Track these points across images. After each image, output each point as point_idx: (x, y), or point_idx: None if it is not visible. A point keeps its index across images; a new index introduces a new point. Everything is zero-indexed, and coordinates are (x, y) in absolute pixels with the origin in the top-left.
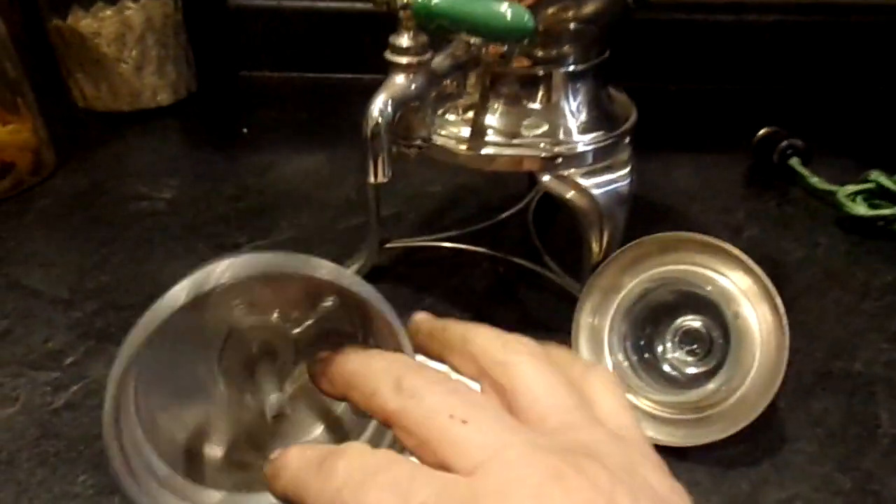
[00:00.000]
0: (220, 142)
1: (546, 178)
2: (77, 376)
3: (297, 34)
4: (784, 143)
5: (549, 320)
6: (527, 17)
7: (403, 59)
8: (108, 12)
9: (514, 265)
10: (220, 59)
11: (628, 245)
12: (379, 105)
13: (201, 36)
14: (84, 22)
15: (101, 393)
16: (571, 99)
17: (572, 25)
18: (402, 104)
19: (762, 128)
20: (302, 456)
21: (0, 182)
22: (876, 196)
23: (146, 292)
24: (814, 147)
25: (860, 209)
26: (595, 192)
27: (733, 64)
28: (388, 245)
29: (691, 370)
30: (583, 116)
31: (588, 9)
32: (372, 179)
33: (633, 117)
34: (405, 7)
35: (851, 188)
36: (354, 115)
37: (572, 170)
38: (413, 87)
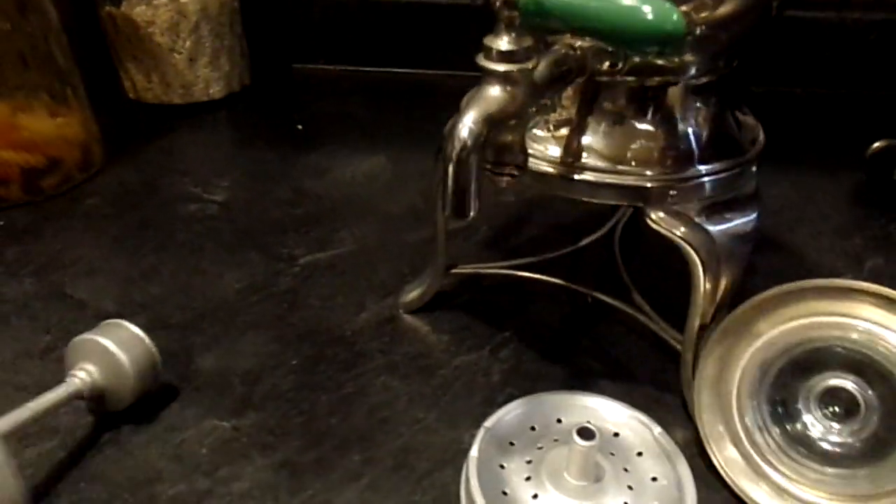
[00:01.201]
0: (273, 139)
1: (656, 215)
2: None
3: (355, 26)
4: None
5: (639, 369)
6: (675, 18)
7: (502, 67)
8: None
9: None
10: (275, 50)
11: (747, 303)
12: (469, 124)
13: (256, 26)
14: (138, 9)
15: (150, 428)
16: (691, 118)
17: (700, 30)
18: (498, 123)
19: (874, 140)
20: None
21: (47, 178)
22: None
23: (196, 308)
24: None
25: None
26: (713, 229)
27: (833, 67)
28: (454, 270)
29: (847, 441)
30: (703, 140)
31: (725, 9)
32: (453, 214)
33: (761, 141)
34: (509, 3)
35: None
36: (416, 114)
37: (688, 204)
38: (512, 101)
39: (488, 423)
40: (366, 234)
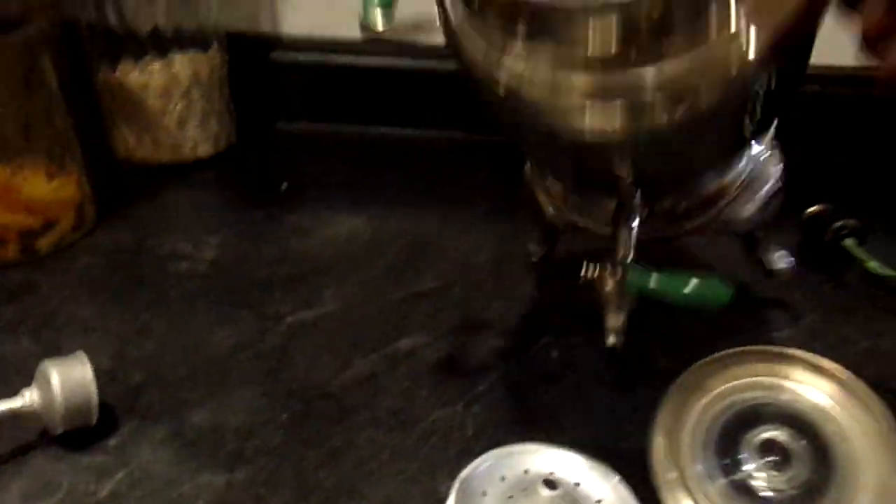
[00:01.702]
0: (260, 198)
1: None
2: (122, 461)
3: (338, 88)
4: (837, 224)
5: (601, 421)
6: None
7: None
8: (157, 65)
9: None
10: (259, 109)
11: (701, 362)
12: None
13: (243, 88)
14: (132, 75)
15: (145, 482)
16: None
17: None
18: None
19: (812, 202)
20: None
21: (43, 238)
22: None
23: (190, 365)
24: (870, 226)
25: None
26: (751, 212)
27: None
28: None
29: (783, 488)
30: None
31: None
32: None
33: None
34: (621, 295)
35: None
36: (394, 172)
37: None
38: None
39: (462, 474)
40: (349, 293)
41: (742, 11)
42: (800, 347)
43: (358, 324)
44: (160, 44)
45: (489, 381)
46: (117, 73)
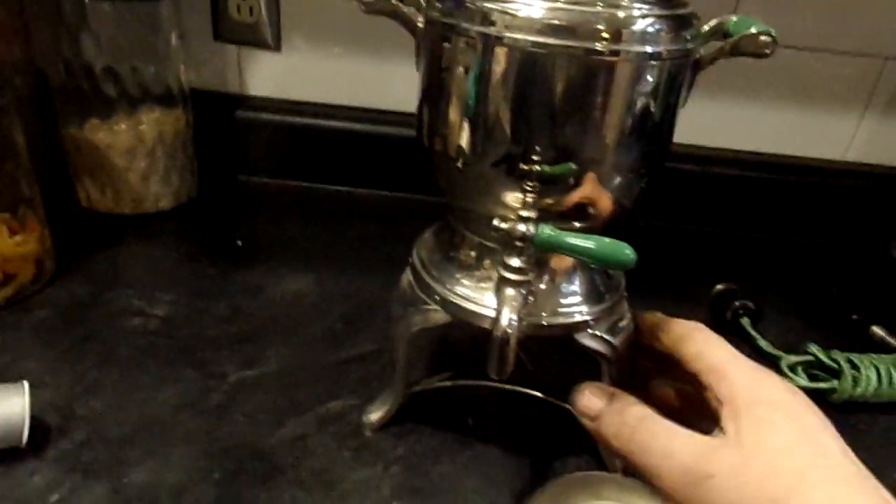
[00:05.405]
0: (215, 254)
1: (583, 339)
2: None
3: (297, 146)
4: (736, 304)
5: (505, 486)
6: (633, 256)
7: (519, 277)
8: (123, 125)
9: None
10: (222, 164)
11: (556, 480)
12: (507, 321)
13: (207, 142)
14: (100, 134)
15: None
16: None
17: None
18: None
19: (719, 279)
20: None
21: (1, 292)
22: (815, 367)
23: (133, 423)
24: (762, 309)
25: (801, 380)
26: (615, 341)
27: (695, 211)
28: (415, 388)
29: None
30: (608, 282)
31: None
32: (496, 374)
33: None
34: (524, 238)
35: (793, 359)
36: (346, 232)
37: (601, 327)
38: (525, 295)
39: None
40: (289, 354)
41: None
42: None
43: (294, 385)
44: (128, 103)
45: (408, 445)
46: (85, 131)
